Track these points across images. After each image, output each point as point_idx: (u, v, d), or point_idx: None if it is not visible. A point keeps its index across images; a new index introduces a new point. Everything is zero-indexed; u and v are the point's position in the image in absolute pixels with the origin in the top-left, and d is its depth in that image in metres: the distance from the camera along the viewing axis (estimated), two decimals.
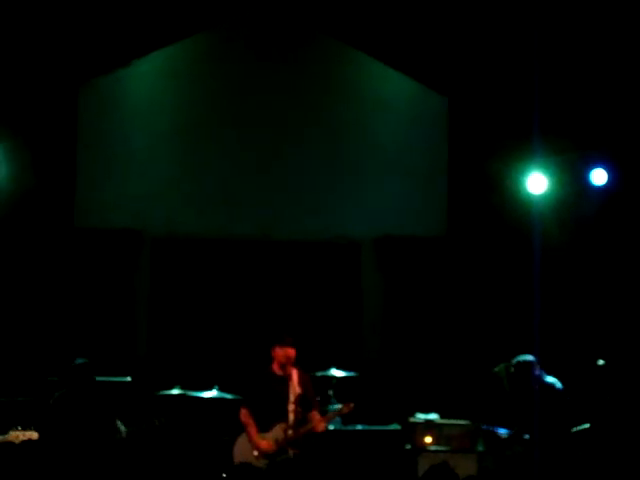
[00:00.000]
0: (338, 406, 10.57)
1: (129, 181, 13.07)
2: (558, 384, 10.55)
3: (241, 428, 9.91)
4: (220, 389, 11.21)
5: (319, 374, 11.40)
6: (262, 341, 10.24)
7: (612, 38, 11.64)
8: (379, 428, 11.52)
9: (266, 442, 9.70)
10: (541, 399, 10.38)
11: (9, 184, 11.92)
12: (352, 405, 9.95)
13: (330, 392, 11.43)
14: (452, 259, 13.28)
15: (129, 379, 11.69)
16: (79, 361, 10.21)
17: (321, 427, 9.78)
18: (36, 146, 12.33)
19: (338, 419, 11.06)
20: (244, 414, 9.88)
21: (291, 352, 9.87)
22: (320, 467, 10.63)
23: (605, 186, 12.09)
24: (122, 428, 10.24)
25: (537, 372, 10.44)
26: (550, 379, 10.57)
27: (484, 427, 10.73)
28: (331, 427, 10.95)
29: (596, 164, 12.08)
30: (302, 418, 9.79)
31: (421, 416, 11.31)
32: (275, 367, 9.95)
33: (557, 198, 12.21)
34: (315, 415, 9.89)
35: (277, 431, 9.72)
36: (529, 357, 10.52)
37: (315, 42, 13.43)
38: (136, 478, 10.60)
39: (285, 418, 9.72)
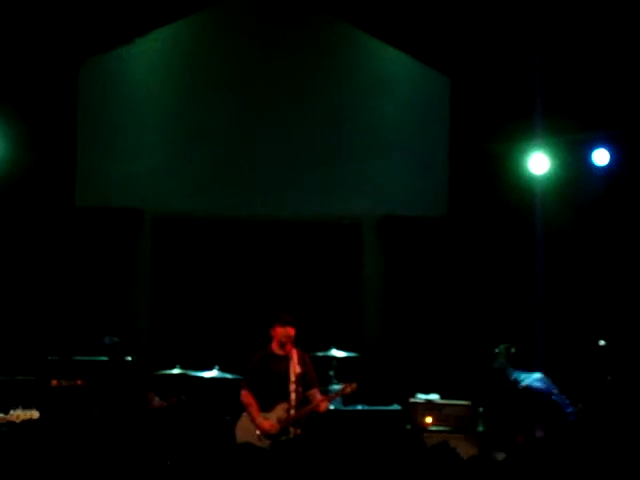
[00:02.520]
0: (340, 386, 10.55)
1: (130, 160, 13.01)
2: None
3: (242, 408, 9.88)
4: (221, 369, 11.20)
5: (320, 354, 11.40)
6: (263, 321, 10.20)
7: (614, 17, 11.60)
8: (380, 408, 11.53)
9: (269, 422, 9.67)
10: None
11: (9, 163, 11.88)
12: (355, 385, 9.93)
13: (331, 372, 11.43)
14: (453, 239, 13.26)
15: (130, 359, 11.68)
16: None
17: (323, 406, 9.76)
18: (36, 125, 12.27)
19: (339, 399, 11.06)
20: (245, 394, 9.85)
21: (291, 331, 9.84)
22: (321, 447, 10.60)
23: (608, 166, 12.06)
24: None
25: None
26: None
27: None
28: (332, 407, 10.93)
29: (599, 144, 12.05)
30: (303, 398, 9.76)
31: (422, 396, 11.31)
32: (275, 346, 9.91)
33: (559, 178, 12.17)
34: (316, 394, 9.86)
35: (279, 411, 9.70)
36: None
37: (316, 20, 13.36)
38: (140, 456, 10.61)
39: (287, 398, 9.69)
